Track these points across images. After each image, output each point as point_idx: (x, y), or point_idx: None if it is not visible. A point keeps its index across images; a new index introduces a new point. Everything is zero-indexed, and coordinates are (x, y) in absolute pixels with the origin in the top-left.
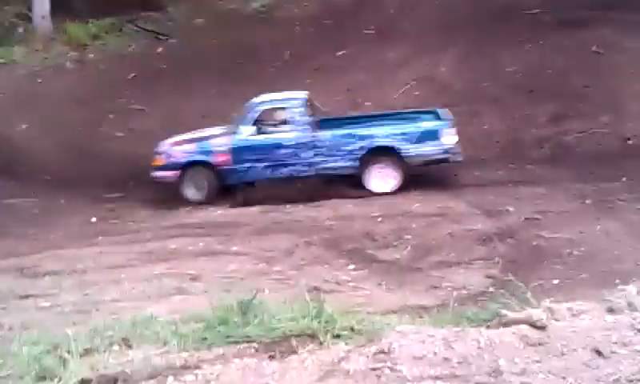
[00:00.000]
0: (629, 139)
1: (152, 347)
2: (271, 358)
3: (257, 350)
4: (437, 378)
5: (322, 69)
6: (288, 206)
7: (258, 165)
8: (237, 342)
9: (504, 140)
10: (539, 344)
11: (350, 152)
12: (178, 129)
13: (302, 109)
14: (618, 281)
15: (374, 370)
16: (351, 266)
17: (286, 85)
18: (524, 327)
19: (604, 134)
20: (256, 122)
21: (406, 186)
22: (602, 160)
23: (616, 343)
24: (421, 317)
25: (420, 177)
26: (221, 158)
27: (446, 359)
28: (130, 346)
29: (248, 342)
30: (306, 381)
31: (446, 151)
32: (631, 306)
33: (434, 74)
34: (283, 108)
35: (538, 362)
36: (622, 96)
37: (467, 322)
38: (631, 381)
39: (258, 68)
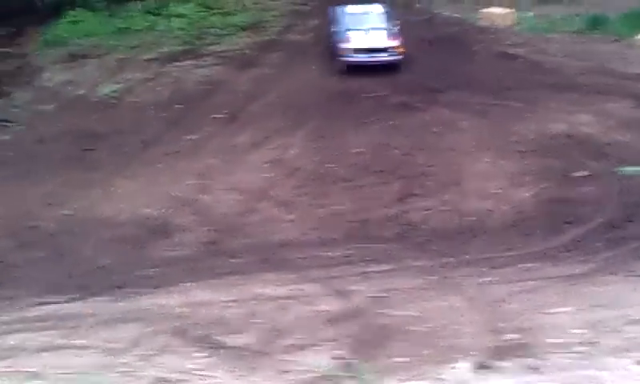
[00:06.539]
0: (469, 216)
1: None
2: None
3: None
4: None
5: (173, 153)
6: (134, 293)
7: None
8: None
9: (353, 219)
10: None
11: None
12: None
13: None
14: (457, 356)
15: None
16: (199, 354)
17: (137, 170)
18: None
19: (447, 212)
20: None
21: (256, 268)
22: (446, 237)
23: None
24: None
25: (271, 258)
26: None
27: None
28: None
29: None
30: None
31: None
32: (462, 383)
33: (283, 157)
34: None
35: None
36: (461, 174)
37: None
38: None
39: (108, 154)
